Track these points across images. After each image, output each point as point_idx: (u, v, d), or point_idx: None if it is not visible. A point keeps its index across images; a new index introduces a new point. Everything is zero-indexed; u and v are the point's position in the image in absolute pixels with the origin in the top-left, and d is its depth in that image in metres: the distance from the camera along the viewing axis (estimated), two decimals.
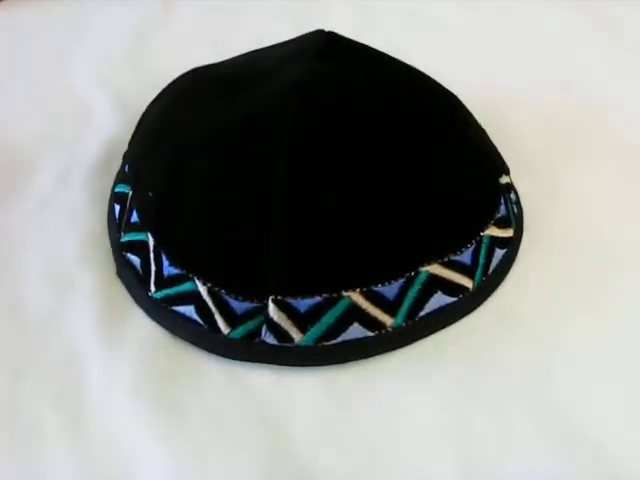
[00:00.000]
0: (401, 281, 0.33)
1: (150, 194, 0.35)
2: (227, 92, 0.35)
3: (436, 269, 0.33)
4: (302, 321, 0.31)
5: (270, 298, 0.31)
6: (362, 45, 0.39)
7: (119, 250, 0.36)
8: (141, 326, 0.34)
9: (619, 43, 0.54)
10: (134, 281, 0.35)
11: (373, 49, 0.40)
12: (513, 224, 0.38)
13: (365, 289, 0.32)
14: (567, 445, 0.30)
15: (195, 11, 0.58)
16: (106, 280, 0.36)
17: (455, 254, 0.34)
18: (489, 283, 0.36)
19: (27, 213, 0.40)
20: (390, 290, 0.32)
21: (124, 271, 0.36)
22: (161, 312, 0.34)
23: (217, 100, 0.35)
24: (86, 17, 0.56)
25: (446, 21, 0.57)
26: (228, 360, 0.32)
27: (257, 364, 0.32)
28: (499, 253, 0.36)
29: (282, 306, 0.31)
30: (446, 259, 0.34)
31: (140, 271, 0.35)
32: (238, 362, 0.32)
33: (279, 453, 0.30)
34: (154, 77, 0.46)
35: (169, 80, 0.41)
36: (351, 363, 0.33)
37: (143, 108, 0.42)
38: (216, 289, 0.32)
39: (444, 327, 0.34)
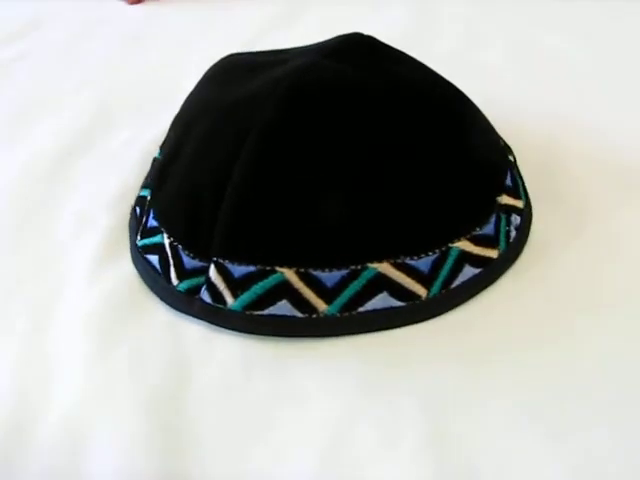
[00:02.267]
0: (344, 272, 0.33)
1: (159, 159, 0.39)
2: (241, 76, 0.38)
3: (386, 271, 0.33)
4: (235, 286, 0.33)
5: (212, 259, 0.33)
6: (396, 51, 0.40)
7: (134, 203, 0.41)
8: (123, 267, 0.38)
9: None
10: (133, 230, 0.39)
11: (408, 56, 0.40)
12: (501, 246, 0.36)
13: (302, 270, 0.33)
14: None
15: (318, 19, 0.62)
16: (120, 226, 0.41)
17: (412, 259, 0.33)
18: (444, 297, 0.34)
19: (91, 159, 0.47)
20: (331, 277, 0.33)
21: (130, 221, 0.40)
22: (138, 258, 0.37)
23: (228, 82, 0.38)
24: (215, 14, 0.63)
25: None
26: (174, 310, 0.35)
27: (196, 319, 0.34)
28: (469, 270, 0.35)
29: (220, 269, 0.33)
30: (396, 263, 0.33)
31: (137, 222, 0.39)
32: (181, 313, 0.35)
33: (168, 400, 0.31)
34: None
35: None
36: (277, 339, 0.33)
37: None
38: (175, 243, 0.35)
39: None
